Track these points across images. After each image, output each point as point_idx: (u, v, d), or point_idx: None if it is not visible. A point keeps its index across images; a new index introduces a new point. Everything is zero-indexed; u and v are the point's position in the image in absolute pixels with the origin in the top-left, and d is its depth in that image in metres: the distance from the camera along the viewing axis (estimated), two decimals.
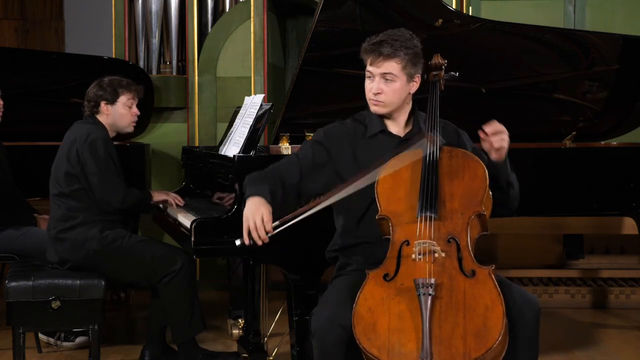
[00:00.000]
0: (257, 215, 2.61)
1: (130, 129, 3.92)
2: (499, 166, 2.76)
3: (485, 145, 2.75)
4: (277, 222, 2.63)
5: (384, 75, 2.78)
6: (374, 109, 2.84)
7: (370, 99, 2.83)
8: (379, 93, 2.79)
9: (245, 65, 5.54)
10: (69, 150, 3.73)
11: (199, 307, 3.76)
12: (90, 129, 3.75)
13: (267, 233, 2.60)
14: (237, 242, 2.65)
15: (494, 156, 2.74)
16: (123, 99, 3.83)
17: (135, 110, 3.88)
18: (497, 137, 2.70)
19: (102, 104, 3.80)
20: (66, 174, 3.71)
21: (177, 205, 3.90)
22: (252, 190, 2.70)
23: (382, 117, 2.88)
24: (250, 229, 2.61)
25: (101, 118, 3.83)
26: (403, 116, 2.89)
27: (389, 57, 2.77)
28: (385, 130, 2.88)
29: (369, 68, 2.81)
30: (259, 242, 2.62)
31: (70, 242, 3.68)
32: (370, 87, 2.81)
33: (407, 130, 2.90)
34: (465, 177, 2.71)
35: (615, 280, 5.27)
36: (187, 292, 3.70)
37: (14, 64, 5.09)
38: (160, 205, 3.96)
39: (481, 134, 2.72)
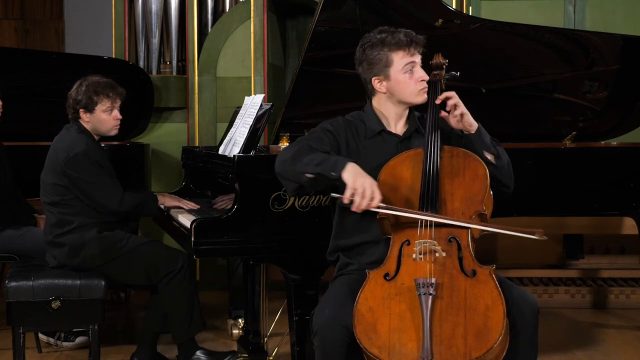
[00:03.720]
0: (372, 184, 2.55)
1: (113, 133, 3.83)
2: (473, 139, 2.78)
3: (451, 122, 2.79)
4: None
5: (420, 62, 2.82)
6: (424, 97, 2.83)
7: (421, 89, 2.81)
8: (427, 78, 2.83)
9: (245, 65, 5.54)
10: (53, 163, 3.70)
11: (199, 307, 3.77)
12: (72, 142, 3.69)
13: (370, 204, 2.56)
14: (334, 195, 2.60)
15: (460, 126, 2.78)
16: (100, 106, 3.73)
17: (116, 114, 3.78)
18: (450, 102, 2.75)
19: (81, 111, 3.74)
20: (54, 185, 3.69)
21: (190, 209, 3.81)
22: (334, 158, 2.62)
23: (380, 117, 2.89)
24: (365, 195, 2.53)
25: (83, 122, 3.77)
26: (406, 114, 2.89)
27: (417, 43, 2.80)
28: (385, 130, 2.88)
29: (411, 59, 2.78)
30: (361, 209, 2.56)
31: (68, 247, 3.67)
32: (418, 76, 2.80)
33: (405, 129, 2.90)
34: (466, 177, 2.71)
35: (615, 280, 5.27)
36: (188, 291, 3.71)
37: (14, 64, 5.09)
38: (162, 206, 3.94)
39: (442, 114, 2.78)
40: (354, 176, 2.55)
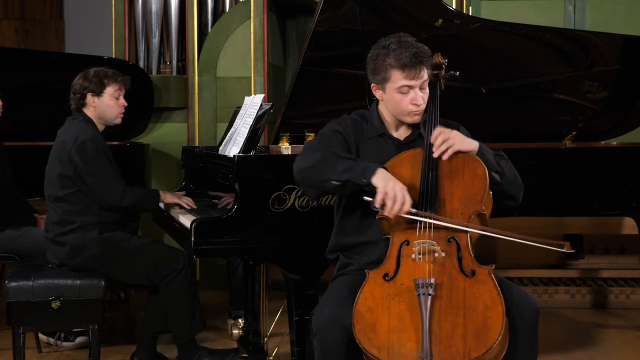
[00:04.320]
0: (403, 189, 2.55)
1: (118, 121, 3.84)
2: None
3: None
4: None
5: (422, 84, 2.77)
6: (415, 119, 2.81)
7: (411, 112, 2.78)
8: (422, 103, 2.79)
9: (245, 65, 5.54)
10: (60, 153, 3.69)
11: (199, 307, 3.77)
12: (79, 130, 3.70)
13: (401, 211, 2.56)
14: (366, 198, 2.59)
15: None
16: (110, 90, 3.76)
17: (122, 101, 3.81)
18: (440, 141, 2.68)
19: (89, 95, 3.75)
20: (60, 176, 3.68)
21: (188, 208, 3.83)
22: (362, 164, 2.61)
23: (383, 120, 2.88)
24: (397, 199, 2.53)
25: (88, 111, 3.77)
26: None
27: (425, 65, 2.76)
28: (385, 133, 2.88)
29: (409, 82, 2.74)
30: (392, 215, 2.55)
31: (69, 247, 3.66)
32: (411, 98, 2.76)
33: (408, 134, 2.89)
34: (465, 177, 2.71)
35: (615, 280, 5.27)
36: (189, 291, 3.71)
37: (14, 64, 5.09)
38: (162, 206, 3.94)
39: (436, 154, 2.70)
40: (384, 181, 2.56)
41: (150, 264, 3.70)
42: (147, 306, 3.89)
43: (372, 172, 2.58)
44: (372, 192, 2.59)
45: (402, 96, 2.77)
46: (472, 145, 2.73)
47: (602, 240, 5.33)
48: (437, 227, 2.63)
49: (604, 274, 5.29)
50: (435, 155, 2.69)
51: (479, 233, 2.64)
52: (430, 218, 2.62)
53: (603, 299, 5.18)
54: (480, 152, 2.75)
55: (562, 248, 2.59)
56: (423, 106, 2.80)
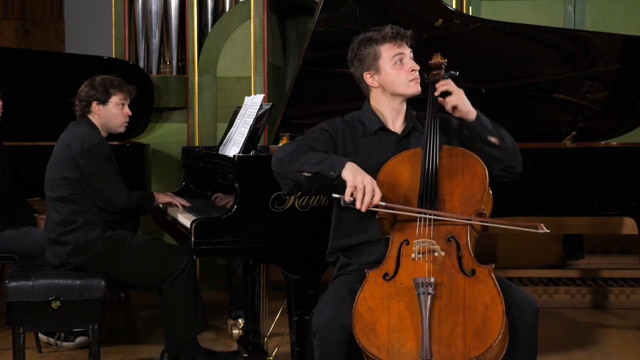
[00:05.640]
0: (372, 182, 2.55)
1: (122, 129, 3.88)
2: (474, 125, 2.80)
3: (448, 109, 2.82)
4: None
5: (410, 55, 2.85)
6: (416, 88, 2.84)
7: (411, 79, 2.83)
8: (418, 68, 2.84)
9: (245, 65, 5.54)
10: (64, 155, 3.70)
11: (202, 306, 3.77)
12: (85, 134, 3.72)
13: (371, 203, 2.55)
14: (335, 195, 2.58)
15: (458, 114, 2.80)
16: (115, 99, 3.79)
17: (127, 110, 3.84)
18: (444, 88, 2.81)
19: (94, 104, 3.77)
20: (63, 179, 3.69)
21: (183, 206, 3.86)
22: (332, 158, 2.62)
23: (378, 115, 2.89)
24: (366, 191, 2.53)
25: (93, 118, 3.79)
26: (404, 111, 2.90)
27: (404, 40, 2.85)
28: (384, 128, 2.88)
29: (399, 50, 2.82)
30: (364, 207, 2.54)
31: (72, 246, 3.67)
32: (408, 67, 2.82)
33: (403, 127, 2.90)
34: (465, 176, 2.71)
35: (615, 280, 5.27)
36: (192, 290, 3.72)
37: (14, 64, 5.09)
38: (161, 206, 3.95)
39: (440, 100, 2.81)
40: (353, 174, 2.55)
41: (153, 262, 3.70)
42: (160, 303, 3.85)
43: (342, 166, 2.58)
44: (342, 187, 2.57)
45: (398, 67, 2.82)
46: (471, 108, 2.80)
47: (602, 240, 5.34)
48: (436, 226, 2.63)
49: (604, 274, 5.29)
50: (437, 92, 2.81)
51: (466, 223, 2.63)
52: (404, 210, 2.61)
53: (603, 299, 5.18)
54: (478, 118, 2.80)
55: (536, 229, 2.57)
56: (418, 74, 2.84)
